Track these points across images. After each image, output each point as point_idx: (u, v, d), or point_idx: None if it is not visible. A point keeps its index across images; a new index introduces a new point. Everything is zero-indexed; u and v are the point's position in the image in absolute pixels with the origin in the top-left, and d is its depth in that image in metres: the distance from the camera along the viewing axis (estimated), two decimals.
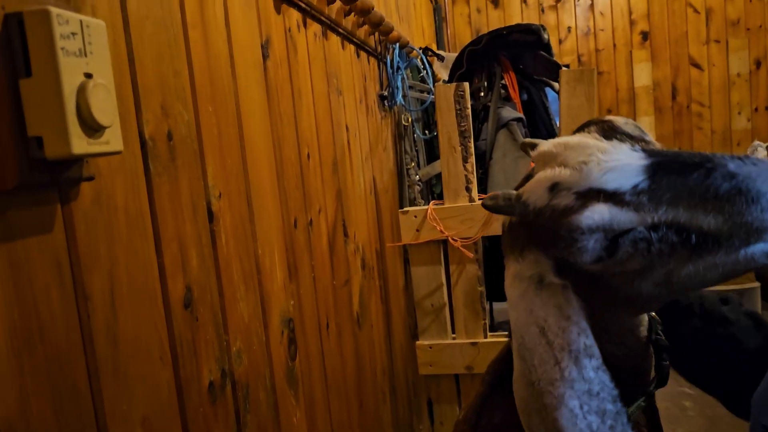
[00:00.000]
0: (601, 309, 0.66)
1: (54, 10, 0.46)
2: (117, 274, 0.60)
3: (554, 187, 0.60)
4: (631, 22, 4.61)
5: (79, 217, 0.55)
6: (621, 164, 0.58)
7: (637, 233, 0.57)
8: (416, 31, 3.22)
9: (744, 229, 0.56)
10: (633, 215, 0.57)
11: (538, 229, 0.63)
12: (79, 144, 0.47)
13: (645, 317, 0.74)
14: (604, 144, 0.62)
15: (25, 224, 0.49)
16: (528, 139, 0.75)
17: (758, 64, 4.36)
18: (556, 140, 0.66)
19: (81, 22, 0.48)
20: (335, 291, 1.35)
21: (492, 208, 0.65)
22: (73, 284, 0.54)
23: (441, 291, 1.83)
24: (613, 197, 0.57)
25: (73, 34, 0.47)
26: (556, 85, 2.86)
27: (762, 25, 4.33)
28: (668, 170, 0.58)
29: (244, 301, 0.89)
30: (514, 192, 0.65)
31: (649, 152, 0.60)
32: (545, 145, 0.66)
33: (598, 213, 0.57)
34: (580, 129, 0.69)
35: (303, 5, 1.20)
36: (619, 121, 0.67)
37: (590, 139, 0.63)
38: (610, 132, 0.64)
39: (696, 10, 4.47)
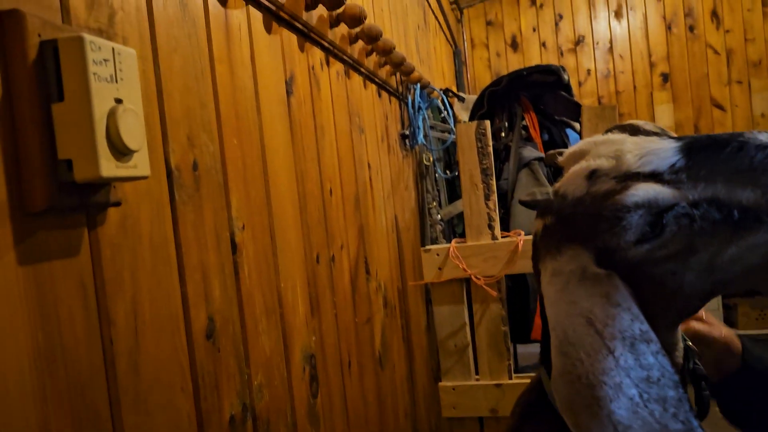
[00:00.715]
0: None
1: (87, 37, 0.47)
2: (140, 301, 0.60)
3: (592, 175, 0.61)
4: (651, 64, 4.63)
5: (105, 241, 0.55)
6: (655, 148, 0.59)
7: (679, 208, 0.57)
8: (437, 74, 3.26)
9: None
10: (674, 191, 0.57)
11: (577, 221, 0.62)
12: (108, 167, 0.48)
13: (680, 343, 0.72)
14: (633, 137, 0.62)
15: (53, 247, 0.50)
16: (552, 151, 0.75)
17: None
18: (584, 140, 0.66)
19: (113, 49, 0.50)
20: (357, 329, 1.34)
21: (531, 203, 0.65)
22: (97, 309, 0.54)
23: (464, 331, 1.80)
24: (652, 178, 0.58)
25: (105, 60, 0.48)
26: (576, 125, 2.87)
27: None
28: (702, 148, 0.58)
29: (266, 334, 0.88)
30: (550, 188, 0.65)
31: (679, 137, 0.61)
32: (573, 147, 0.67)
33: (641, 190, 0.57)
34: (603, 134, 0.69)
35: (326, 44, 1.22)
36: (640, 122, 0.68)
37: (618, 135, 0.63)
38: (633, 131, 0.65)
39: (716, 52, 4.48)
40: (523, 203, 0.66)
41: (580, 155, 0.65)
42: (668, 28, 4.61)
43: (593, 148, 0.63)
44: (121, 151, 0.49)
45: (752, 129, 0.67)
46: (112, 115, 0.48)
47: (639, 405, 0.53)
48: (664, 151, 0.59)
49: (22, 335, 0.46)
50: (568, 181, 0.63)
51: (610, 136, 0.65)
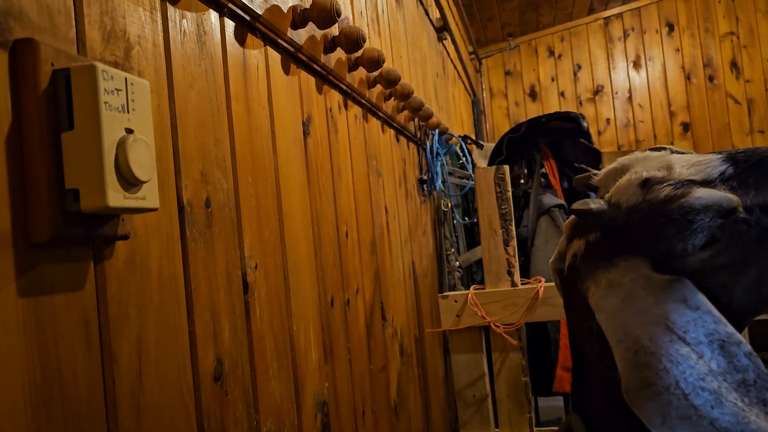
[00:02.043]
0: None
1: (100, 66, 0.46)
2: (146, 339, 0.58)
3: (645, 183, 0.62)
4: (671, 114, 4.63)
5: (111, 276, 0.54)
6: (702, 159, 0.61)
7: (739, 213, 0.58)
8: (455, 122, 3.28)
9: None
10: (733, 196, 0.58)
11: (634, 229, 0.61)
12: (115, 197, 0.47)
13: None
14: (673, 154, 0.63)
15: (56, 279, 0.48)
16: (582, 174, 0.75)
17: None
18: (620, 158, 0.67)
19: (126, 79, 0.49)
20: (372, 376, 1.30)
21: (584, 212, 0.64)
22: (100, 346, 0.52)
23: (483, 381, 1.75)
24: (705, 185, 0.59)
25: (117, 90, 0.48)
26: (596, 172, 2.85)
27: None
28: (746, 158, 0.60)
29: (277, 379, 0.85)
30: (600, 200, 0.65)
31: (717, 152, 0.62)
32: (609, 165, 0.67)
33: (706, 193, 0.58)
34: None
35: (344, 87, 1.23)
36: (671, 147, 0.68)
37: (656, 153, 0.62)
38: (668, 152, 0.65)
39: (737, 101, 4.47)
40: (577, 212, 0.64)
41: (621, 171, 0.65)
42: (687, 78, 4.62)
43: (635, 163, 0.64)
44: (129, 182, 0.48)
45: None
46: (121, 145, 0.47)
47: (742, 409, 0.51)
48: (711, 161, 0.60)
49: (18, 370, 0.44)
50: (620, 191, 0.63)
51: (648, 153, 0.65)
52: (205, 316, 0.68)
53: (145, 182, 0.50)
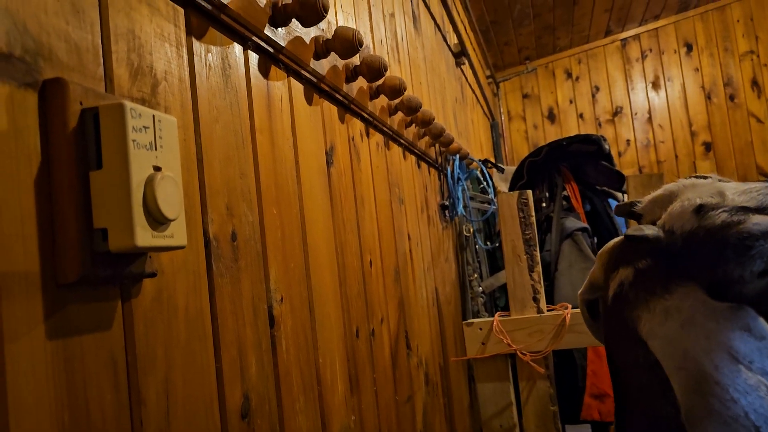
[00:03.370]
0: None
1: (128, 104, 0.46)
2: (173, 379, 0.57)
3: (700, 210, 0.62)
4: (692, 134, 4.58)
5: (138, 315, 0.53)
6: (751, 186, 0.61)
7: None
8: (474, 146, 3.27)
9: None
10: None
11: (690, 255, 0.61)
12: (144, 236, 0.46)
13: None
14: (719, 181, 0.63)
15: (84, 320, 0.47)
16: (624, 202, 0.74)
17: None
18: (666, 186, 0.68)
19: (153, 116, 0.49)
20: (398, 407, 1.27)
21: (640, 238, 0.63)
22: (128, 387, 0.51)
23: (510, 410, 1.71)
24: (759, 212, 0.59)
25: (145, 127, 0.47)
26: (619, 195, 2.82)
27: None
28: None
29: (303, 413, 0.84)
30: (651, 226, 0.64)
31: (765, 180, 0.62)
32: (655, 192, 0.67)
33: (764, 219, 0.57)
34: None
35: (366, 115, 1.23)
36: (715, 175, 0.69)
37: (701, 180, 0.62)
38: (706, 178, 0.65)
39: (759, 120, 4.42)
40: (632, 237, 0.63)
41: (668, 198, 0.65)
42: (708, 97, 4.58)
43: (683, 190, 0.64)
44: (157, 220, 0.48)
45: None
46: (149, 183, 0.47)
47: None
48: (761, 189, 0.61)
49: (46, 414, 0.43)
50: (674, 217, 0.63)
51: (695, 180, 0.66)
52: (232, 351, 0.67)
53: (173, 220, 0.49)
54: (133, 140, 0.46)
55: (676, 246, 0.63)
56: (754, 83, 4.46)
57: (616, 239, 0.76)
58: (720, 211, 0.61)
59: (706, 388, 0.54)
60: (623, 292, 0.67)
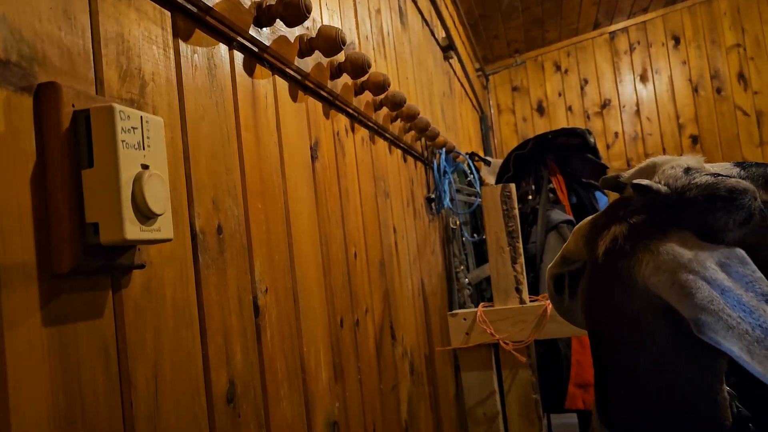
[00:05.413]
0: None
1: (117, 107, 0.49)
2: (162, 364, 0.60)
3: (688, 171, 0.73)
4: (680, 126, 4.63)
5: (129, 304, 0.56)
6: (718, 163, 0.75)
7: (761, 203, 0.71)
8: (463, 139, 3.30)
9: None
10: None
11: (682, 207, 0.71)
12: (132, 230, 0.49)
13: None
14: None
15: (77, 308, 0.51)
16: (608, 175, 0.82)
17: None
18: (651, 158, 0.80)
19: (141, 117, 0.52)
20: (382, 396, 1.31)
21: (646, 187, 0.72)
22: (118, 371, 0.55)
23: (494, 399, 1.75)
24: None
25: (134, 128, 0.51)
26: None
27: None
28: (748, 165, 0.75)
29: (288, 400, 0.87)
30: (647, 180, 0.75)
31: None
32: (640, 164, 0.80)
33: (742, 181, 0.70)
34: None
35: (351, 111, 1.26)
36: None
37: (677, 156, 0.78)
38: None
39: (745, 113, 4.47)
40: (638, 186, 0.73)
41: (652, 168, 0.77)
42: (695, 90, 4.63)
43: (665, 161, 0.77)
44: (145, 215, 0.51)
45: None
46: (138, 180, 0.50)
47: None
48: (725, 165, 0.74)
49: (42, 395, 0.46)
50: (668, 177, 0.74)
51: (668, 156, 0.78)
52: (218, 339, 0.71)
53: (160, 215, 0.52)
54: (122, 140, 0.49)
55: (671, 199, 0.72)
56: (741, 76, 4.51)
57: (593, 215, 0.83)
58: (704, 173, 0.72)
59: (717, 306, 0.61)
60: (617, 246, 0.74)
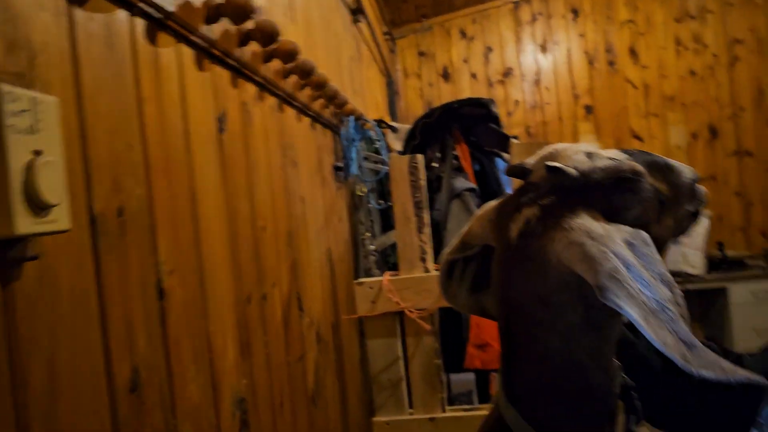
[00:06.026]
0: None
1: (4, 87, 0.44)
2: (58, 360, 0.56)
3: (590, 155, 0.77)
4: (575, 96, 4.83)
5: (20, 298, 0.52)
6: (609, 150, 0.80)
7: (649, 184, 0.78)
8: (370, 104, 3.29)
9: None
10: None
11: (590, 187, 0.75)
12: (24, 224, 0.45)
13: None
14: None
15: None
16: (513, 164, 0.87)
17: (695, 136, 4.60)
18: (550, 146, 0.84)
19: (32, 99, 0.47)
20: (290, 367, 1.31)
21: (562, 170, 0.75)
22: (9, 371, 0.51)
23: (398, 365, 1.80)
24: None
25: (23, 111, 0.46)
26: (506, 155, 2.95)
27: (695, 101, 4.60)
28: (633, 153, 0.80)
29: (195, 382, 0.85)
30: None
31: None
32: (542, 152, 0.83)
33: (637, 166, 0.76)
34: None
35: (259, 79, 1.21)
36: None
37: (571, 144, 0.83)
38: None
39: (634, 86, 4.73)
40: (555, 168, 0.75)
41: (555, 156, 0.80)
42: (590, 62, 4.83)
43: (564, 149, 0.80)
44: (39, 206, 0.47)
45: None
46: (29, 169, 0.46)
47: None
48: (615, 151, 0.79)
49: None
50: (573, 161, 0.77)
51: (566, 144, 0.82)
52: (120, 327, 0.67)
53: (55, 205, 0.48)
54: (10, 125, 0.45)
55: (579, 182, 0.75)
56: (632, 51, 4.75)
57: (498, 200, 0.84)
58: (603, 156, 0.77)
59: (622, 276, 0.65)
60: (530, 228, 0.76)
